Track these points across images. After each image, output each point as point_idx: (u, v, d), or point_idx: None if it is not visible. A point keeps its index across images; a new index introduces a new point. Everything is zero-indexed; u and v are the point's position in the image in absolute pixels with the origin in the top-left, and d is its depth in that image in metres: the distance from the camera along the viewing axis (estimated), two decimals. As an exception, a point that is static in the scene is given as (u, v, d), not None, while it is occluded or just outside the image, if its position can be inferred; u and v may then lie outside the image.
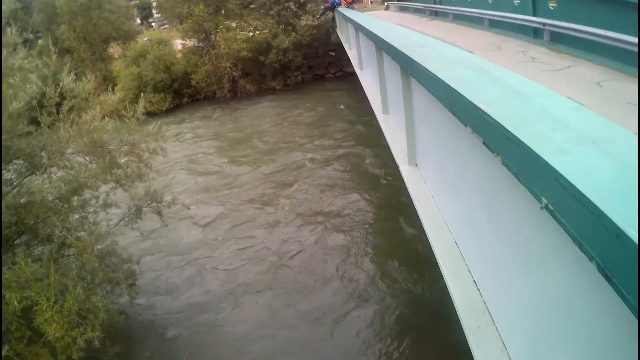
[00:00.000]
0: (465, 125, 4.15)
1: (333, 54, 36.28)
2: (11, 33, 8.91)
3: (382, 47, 9.99)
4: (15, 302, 6.38)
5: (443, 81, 4.69)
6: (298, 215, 15.14)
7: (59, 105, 9.18)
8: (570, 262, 2.85)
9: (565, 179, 2.33)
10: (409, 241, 12.61)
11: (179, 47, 37.69)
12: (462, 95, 4.04)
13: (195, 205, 16.66)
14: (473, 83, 4.38)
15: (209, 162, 21.87)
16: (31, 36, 10.03)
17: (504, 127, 3.14)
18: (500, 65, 5.12)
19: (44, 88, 8.51)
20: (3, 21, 9.46)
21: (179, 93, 34.26)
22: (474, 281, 5.40)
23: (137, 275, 10.54)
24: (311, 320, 10.30)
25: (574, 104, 3.42)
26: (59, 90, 8.77)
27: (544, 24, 10.55)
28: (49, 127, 9.15)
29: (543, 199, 2.63)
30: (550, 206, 2.55)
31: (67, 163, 9.29)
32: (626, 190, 2.15)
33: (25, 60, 8.87)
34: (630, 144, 2.62)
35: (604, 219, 1.99)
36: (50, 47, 9.30)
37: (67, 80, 8.81)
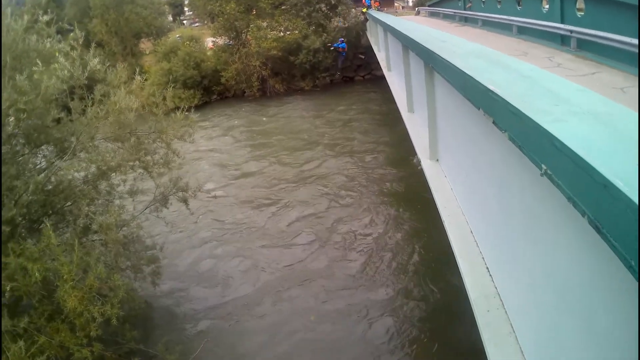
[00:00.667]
0: (478, 109, 4.28)
1: (363, 56, 36.32)
2: (46, 20, 9.10)
3: (408, 45, 10.13)
4: (36, 273, 6.51)
5: (459, 68, 4.84)
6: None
7: (89, 91, 9.36)
8: (573, 236, 2.96)
9: (559, 141, 2.44)
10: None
11: (210, 45, 38.16)
12: (475, 79, 4.18)
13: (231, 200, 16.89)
14: (485, 70, 4.51)
15: (238, 156, 22.09)
16: (66, 26, 10.24)
17: (510, 103, 3.26)
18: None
19: (72, 71, 8.65)
20: (39, 10, 9.65)
21: (209, 90, 34.57)
22: (487, 267, 5.51)
23: (160, 261, 10.63)
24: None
25: (579, 86, 3.53)
26: (86, 74, 8.88)
27: (571, 31, 10.52)
28: (80, 114, 9.34)
29: (543, 165, 2.74)
30: (548, 171, 2.66)
31: (95, 149, 9.47)
32: (617, 150, 2.26)
33: (58, 45, 9.05)
34: (628, 117, 2.71)
35: (594, 173, 2.10)
36: (77, 31, 9.40)
37: (93, 62, 8.94)
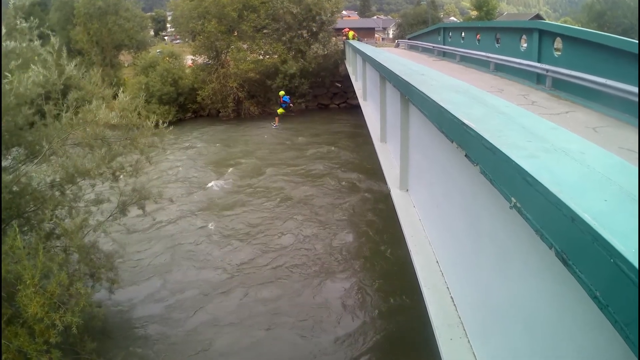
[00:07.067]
0: (452, 142, 4.38)
1: (339, 85, 36.73)
2: (31, 22, 9.11)
3: (386, 75, 10.28)
4: (-2, 274, 6.43)
5: (435, 102, 4.95)
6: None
7: (64, 96, 9.33)
8: (540, 267, 3.04)
9: (531, 176, 2.54)
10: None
11: (189, 62, 38.15)
12: (451, 113, 4.29)
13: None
14: (462, 104, 4.64)
15: (203, 174, 22.05)
16: (48, 31, 10.22)
17: (483, 137, 3.36)
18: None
19: (47, 75, 8.64)
20: (20, 15, 9.62)
21: (184, 107, 34.49)
22: (451, 297, 5.57)
23: (118, 271, 10.45)
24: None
25: (553, 124, 3.65)
26: (62, 80, 8.88)
27: (547, 70, 10.84)
28: (54, 118, 9.29)
29: (512, 198, 2.83)
30: (518, 204, 2.75)
31: (66, 152, 9.41)
32: (586, 186, 2.36)
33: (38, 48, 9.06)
34: (599, 155, 2.83)
35: (562, 207, 2.19)
36: (51, 35, 9.46)
37: (69, 68, 8.96)
